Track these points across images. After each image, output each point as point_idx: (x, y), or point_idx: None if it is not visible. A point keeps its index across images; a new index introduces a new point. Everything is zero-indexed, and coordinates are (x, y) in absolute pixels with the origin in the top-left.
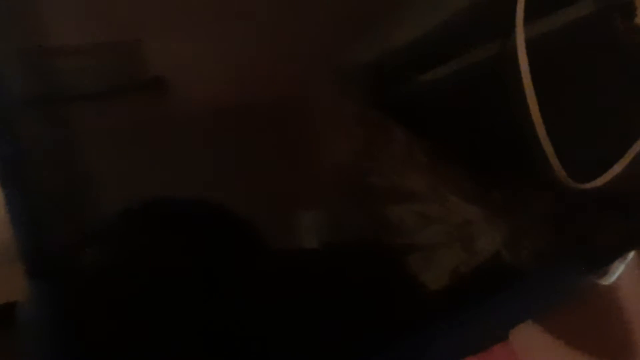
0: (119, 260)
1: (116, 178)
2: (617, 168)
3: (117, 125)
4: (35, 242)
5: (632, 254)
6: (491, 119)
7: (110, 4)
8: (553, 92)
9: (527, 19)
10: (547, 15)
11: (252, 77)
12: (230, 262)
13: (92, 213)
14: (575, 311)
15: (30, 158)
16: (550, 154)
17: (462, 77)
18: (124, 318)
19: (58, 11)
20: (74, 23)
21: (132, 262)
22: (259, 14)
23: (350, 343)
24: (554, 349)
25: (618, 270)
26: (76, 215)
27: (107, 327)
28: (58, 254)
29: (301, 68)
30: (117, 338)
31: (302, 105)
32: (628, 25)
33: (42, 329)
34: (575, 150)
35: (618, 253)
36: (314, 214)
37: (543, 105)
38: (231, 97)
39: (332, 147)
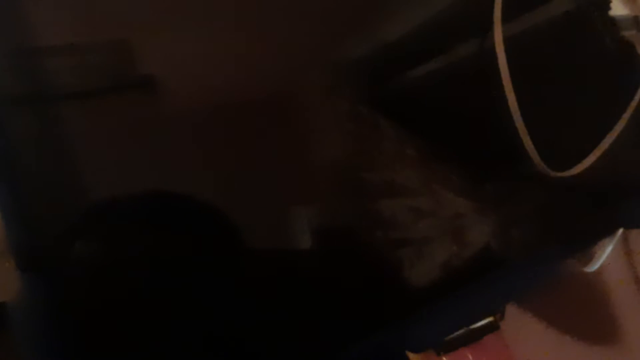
0: (109, 255)
1: (106, 174)
2: (592, 157)
3: (106, 123)
4: (25, 236)
5: (614, 242)
6: (476, 113)
7: (101, 2)
8: (532, 87)
9: (507, 16)
10: (526, 12)
11: (242, 74)
12: (222, 258)
13: (82, 207)
14: (562, 299)
15: (20, 154)
16: (528, 145)
17: (449, 73)
18: (115, 312)
19: (47, 9)
20: (63, 21)
21: (122, 256)
22: (250, 11)
23: (340, 335)
24: (544, 337)
25: (602, 258)
26: (66, 210)
27: (98, 321)
28: (48, 247)
29: (291, 65)
30: (109, 332)
31: (292, 102)
32: (603, 18)
33: (33, 323)
34: (557, 142)
35: (597, 238)
36: (306, 210)
37: (522, 99)
38: (222, 95)
39: (324, 143)
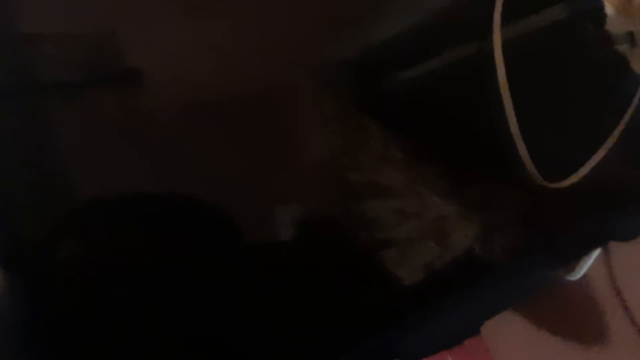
0: (94, 255)
1: (91, 170)
2: (584, 169)
3: (92, 117)
4: (9, 235)
5: (598, 252)
6: (467, 117)
7: None
8: (527, 94)
9: (503, 21)
10: (523, 18)
11: (230, 71)
12: (207, 256)
13: (67, 206)
14: (545, 306)
15: (3, 148)
16: (523, 153)
17: (440, 76)
18: (97, 312)
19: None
20: (50, 11)
21: (106, 256)
22: (238, 8)
23: (324, 336)
24: (526, 343)
25: (585, 267)
26: (50, 208)
27: (80, 322)
28: (32, 247)
29: (280, 63)
30: (91, 332)
31: (280, 101)
32: (598, 31)
33: (15, 322)
34: (547, 150)
35: (585, 250)
36: (291, 208)
37: (517, 106)
38: (209, 91)
39: (310, 142)
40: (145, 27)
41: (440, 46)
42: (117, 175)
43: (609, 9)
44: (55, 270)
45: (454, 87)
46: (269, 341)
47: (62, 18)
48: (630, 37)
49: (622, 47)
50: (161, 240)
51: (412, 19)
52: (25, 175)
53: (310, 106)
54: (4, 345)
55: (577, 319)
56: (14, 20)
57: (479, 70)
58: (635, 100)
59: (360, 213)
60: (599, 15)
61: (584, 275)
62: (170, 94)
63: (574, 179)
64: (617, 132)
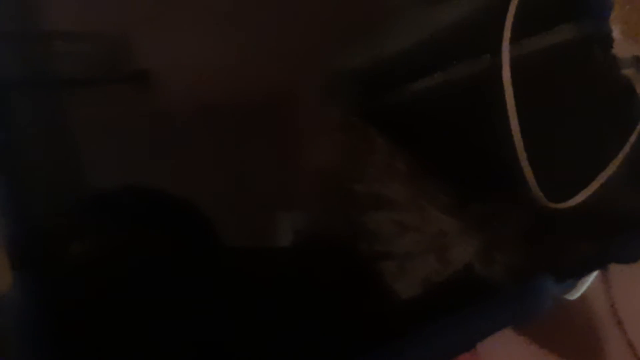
0: (104, 255)
1: (101, 169)
2: (588, 190)
3: (104, 115)
4: (19, 234)
5: (596, 272)
6: (472, 133)
7: None
8: (533, 113)
9: (512, 38)
10: (530, 38)
11: (237, 77)
12: (206, 261)
13: (78, 205)
14: (542, 325)
15: (15, 145)
16: (528, 172)
17: (447, 91)
18: (106, 312)
19: None
20: (62, 8)
21: (115, 256)
22: (249, 14)
23: (317, 347)
24: (520, 358)
25: (584, 287)
26: (61, 208)
27: (88, 322)
28: (42, 246)
29: (288, 70)
30: (99, 332)
31: (286, 107)
32: (605, 55)
33: (24, 320)
34: (553, 171)
35: (585, 272)
36: (291, 216)
37: (523, 124)
38: (216, 96)
39: (315, 151)
40: (158, 32)
41: (449, 61)
42: (126, 176)
43: (616, 33)
44: (66, 269)
45: (461, 102)
46: (263, 349)
47: (77, 17)
48: (636, 61)
49: (628, 71)
50: (169, 242)
51: (420, 32)
52: (37, 172)
53: (317, 115)
54: (14, 344)
55: (574, 338)
56: (32, 16)
57: (486, 87)
58: None
59: (361, 224)
60: (607, 38)
61: (582, 295)
62: (180, 97)
63: (577, 200)
64: (621, 156)
